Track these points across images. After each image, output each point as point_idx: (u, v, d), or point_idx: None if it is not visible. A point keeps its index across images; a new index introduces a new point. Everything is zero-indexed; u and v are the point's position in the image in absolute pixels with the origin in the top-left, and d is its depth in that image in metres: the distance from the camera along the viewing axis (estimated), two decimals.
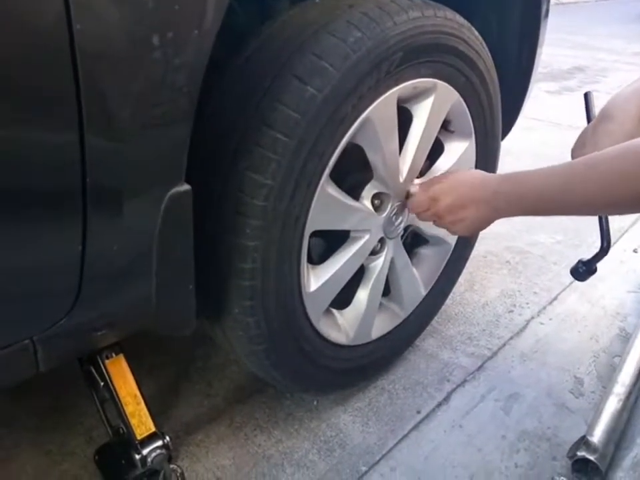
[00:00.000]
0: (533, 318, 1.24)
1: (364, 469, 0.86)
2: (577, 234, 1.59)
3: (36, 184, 0.44)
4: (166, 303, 0.60)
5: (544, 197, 0.69)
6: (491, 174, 0.79)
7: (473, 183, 0.76)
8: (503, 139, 1.09)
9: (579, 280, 0.89)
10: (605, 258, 1.55)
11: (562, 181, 0.67)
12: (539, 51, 1.07)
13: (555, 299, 1.31)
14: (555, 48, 5.08)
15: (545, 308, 1.28)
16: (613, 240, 1.59)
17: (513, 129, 1.22)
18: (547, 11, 1.04)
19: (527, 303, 1.29)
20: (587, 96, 0.84)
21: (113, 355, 0.69)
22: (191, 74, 0.51)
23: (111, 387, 0.69)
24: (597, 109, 0.81)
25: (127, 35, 0.44)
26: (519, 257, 1.49)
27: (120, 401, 0.69)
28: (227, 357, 1.09)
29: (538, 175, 0.69)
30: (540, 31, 1.02)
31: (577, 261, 0.87)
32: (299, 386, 0.86)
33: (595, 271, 0.86)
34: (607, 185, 0.64)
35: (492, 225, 0.77)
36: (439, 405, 0.99)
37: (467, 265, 1.39)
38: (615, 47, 5.04)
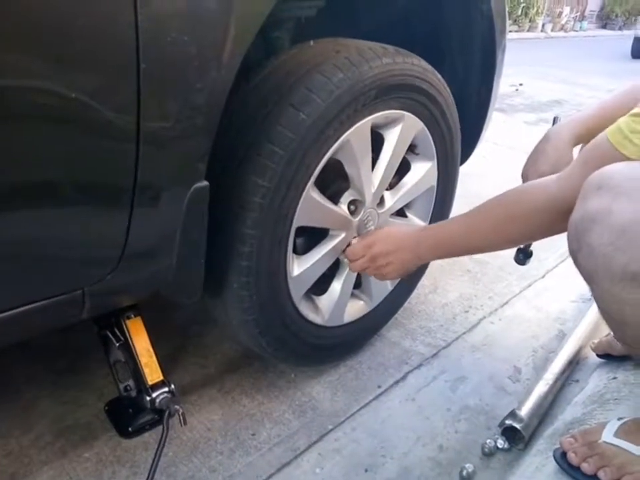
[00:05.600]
0: (484, 318, 1.42)
1: (330, 427, 1.03)
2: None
3: (104, 180, 0.61)
4: (182, 274, 0.77)
5: (453, 243, 0.90)
6: (416, 228, 0.98)
7: (401, 233, 0.96)
8: (462, 163, 1.28)
9: (521, 264, 1.13)
10: (553, 272, 1.76)
11: (463, 229, 0.87)
12: (494, 89, 1.27)
13: (506, 303, 1.50)
14: (538, 81, 5.38)
15: (496, 310, 1.46)
16: (562, 257, 1.80)
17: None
18: (502, 57, 1.25)
19: (481, 305, 1.48)
20: (555, 119, 1.06)
21: (133, 315, 0.86)
22: (218, 98, 0.68)
23: (130, 342, 0.86)
24: None
25: (182, 72, 0.62)
26: (480, 267, 1.68)
27: (136, 353, 0.85)
28: (219, 335, 1.26)
29: (448, 226, 0.91)
30: (495, 75, 1.23)
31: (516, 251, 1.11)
32: (281, 354, 1.03)
33: (531, 253, 1.09)
34: (495, 228, 0.84)
35: None
36: (397, 382, 1.16)
37: (433, 271, 1.59)
38: (594, 83, 5.35)
